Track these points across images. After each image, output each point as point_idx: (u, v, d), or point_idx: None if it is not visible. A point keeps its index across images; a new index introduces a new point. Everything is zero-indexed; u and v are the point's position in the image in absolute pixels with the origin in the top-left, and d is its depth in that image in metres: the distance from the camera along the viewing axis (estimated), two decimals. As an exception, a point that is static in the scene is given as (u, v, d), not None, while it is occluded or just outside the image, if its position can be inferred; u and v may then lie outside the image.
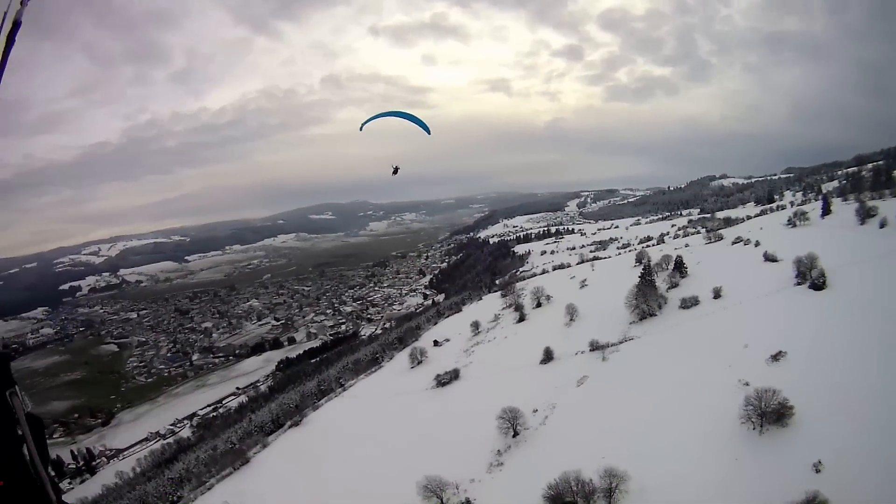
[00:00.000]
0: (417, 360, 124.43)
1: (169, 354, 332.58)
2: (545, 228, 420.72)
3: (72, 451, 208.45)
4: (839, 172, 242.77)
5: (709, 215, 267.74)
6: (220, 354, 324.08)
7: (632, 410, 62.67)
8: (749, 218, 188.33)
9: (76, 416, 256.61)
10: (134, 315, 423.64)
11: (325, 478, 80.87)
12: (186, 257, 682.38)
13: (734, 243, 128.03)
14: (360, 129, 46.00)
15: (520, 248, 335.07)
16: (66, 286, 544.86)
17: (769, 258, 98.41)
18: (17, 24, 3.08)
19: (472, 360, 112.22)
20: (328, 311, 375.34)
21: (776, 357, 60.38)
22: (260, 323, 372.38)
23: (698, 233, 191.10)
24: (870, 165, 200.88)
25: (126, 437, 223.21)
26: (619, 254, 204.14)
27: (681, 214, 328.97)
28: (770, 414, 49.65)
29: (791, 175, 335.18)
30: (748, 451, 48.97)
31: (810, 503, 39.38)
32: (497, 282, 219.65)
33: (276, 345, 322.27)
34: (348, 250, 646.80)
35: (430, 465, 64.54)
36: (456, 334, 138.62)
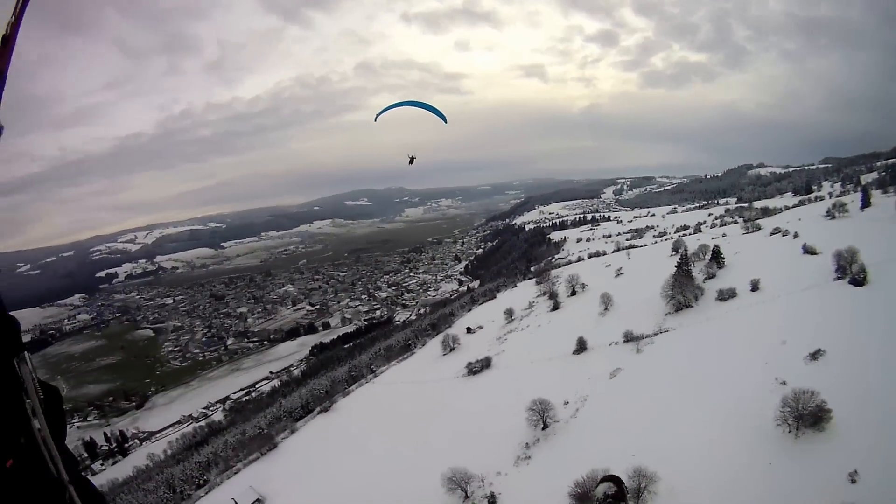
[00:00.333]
0: (450, 347, 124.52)
1: (204, 339, 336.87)
2: (581, 215, 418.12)
3: (105, 434, 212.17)
4: (878, 164, 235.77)
5: (746, 205, 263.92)
6: (255, 339, 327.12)
7: (665, 406, 61.63)
8: (787, 208, 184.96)
9: (111, 399, 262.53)
10: (170, 301, 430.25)
11: (350, 466, 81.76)
12: (222, 243, 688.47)
13: (772, 234, 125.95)
14: (375, 119, 46.36)
15: (555, 235, 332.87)
16: (102, 273, 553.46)
17: (808, 251, 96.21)
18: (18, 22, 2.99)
19: (505, 348, 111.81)
20: (363, 297, 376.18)
21: (815, 356, 58.47)
22: (295, 308, 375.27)
23: (735, 222, 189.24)
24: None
25: (159, 420, 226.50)
26: (656, 242, 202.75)
27: (717, 203, 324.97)
28: (807, 417, 47.81)
29: (829, 165, 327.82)
30: (783, 456, 47.36)
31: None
32: (532, 269, 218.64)
33: (310, 329, 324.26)
34: (384, 236, 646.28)
35: (457, 457, 64.36)
36: (489, 321, 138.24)
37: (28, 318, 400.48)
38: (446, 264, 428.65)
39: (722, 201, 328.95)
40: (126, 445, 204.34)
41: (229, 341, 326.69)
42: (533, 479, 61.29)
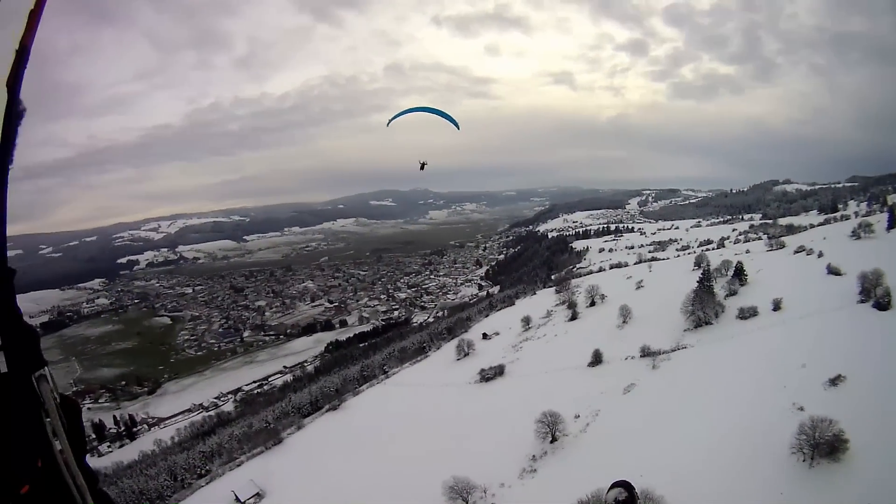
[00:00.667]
0: (464, 352, 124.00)
1: (221, 330, 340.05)
2: (605, 225, 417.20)
3: (114, 416, 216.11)
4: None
5: (771, 221, 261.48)
6: (272, 333, 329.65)
7: (678, 426, 60.03)
8: (812, 226, 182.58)
9: (123, 383, 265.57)
10: (189, 290, 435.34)
11: (353, 466, 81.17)
12: (245, 237, 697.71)
13: (796, 252, 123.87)
14: (388, 124, 46.14)
15: (578, 244, 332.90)
16: (124, 260, 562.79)
17: (832, 271, 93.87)
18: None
19: (520, 356, 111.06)
20: (382, 297, 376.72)
21: (834, 381, 56.44)
22: (313, 304, 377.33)
23: (759, 239, 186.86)
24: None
25: (169, 407, 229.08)
26: (678, 256, 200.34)
27: (742, 219, 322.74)
28: (823, 446, 45.98)
29: (856, 184, 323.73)
30: (796, 486, 45.64)
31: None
32: (553, 277, 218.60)
33: (327, 326, 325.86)
34: (406, 237, 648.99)
35: (461, 464, 63.46)
36: (506, 328, 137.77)
37: (47, 298, 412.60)
38: (467, 268, 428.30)
39: (747, 217, 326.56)
40: (135, 430, 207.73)
41: (246, 333, 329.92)
42: (537, 494, 60.12)
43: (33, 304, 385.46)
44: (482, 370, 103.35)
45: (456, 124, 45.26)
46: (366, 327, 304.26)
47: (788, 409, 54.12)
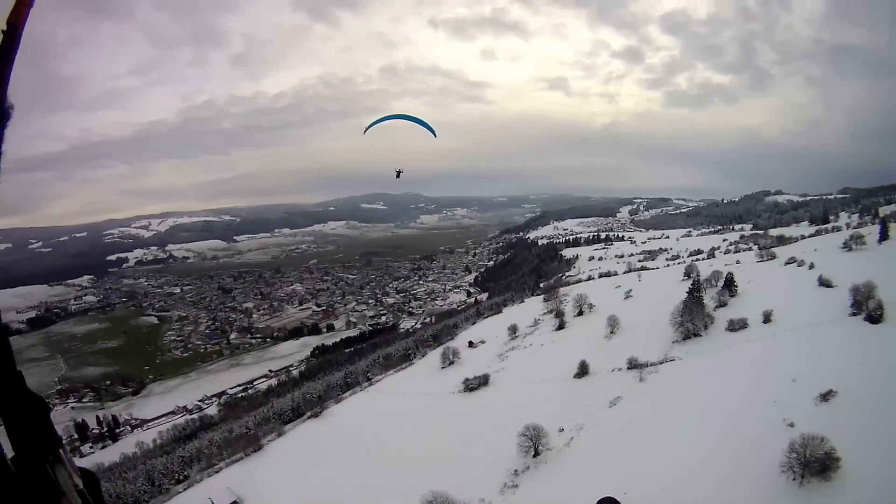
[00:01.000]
0: (449, 360, 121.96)
1: (207, 331, 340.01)
2: (595, 233, 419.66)
3: (97, 417, 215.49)
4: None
5: (761, 232, 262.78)
6: (258, 335, 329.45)
7: (664, 441, 58.05)
8: (803, 237, 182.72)
9: (108, 382, 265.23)
10: (177, 290, 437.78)
11: (332, 476, 79.38)
12: (235, 237, 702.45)
13: (787, 263, 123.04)
14: (364, 132, 46.21)
15: (568, 252, 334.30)
16: (113, 257, 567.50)
17: (824, 283, 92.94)
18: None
19: (505, 365, 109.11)
20: (370, 301, 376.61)
21: (826, 396, 54.86)
22: (301, 307, 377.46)
23: (750, 249, 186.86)
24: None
25: (153, 409, 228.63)
26: (668, 265, 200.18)
27: (733, 229, 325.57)
28: (814, 464, 44.28)
29: (847, 196, 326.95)
30: (785, 506, 44.24)
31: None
32: (541, 285, 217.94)
33: (314, 330, 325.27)
34: (397, 241, 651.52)
35: (441, 477, 61.46)
36: (493, 336, 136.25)
37: (35, 294, 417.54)
38: (456, 274, 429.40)
39: (737, 227, 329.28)
40: (117, 431, 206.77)
41: (232, 335, 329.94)
42: (518, 511, 58.11)
43: (20, 300, 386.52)
44: (466, 379, 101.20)
45: (433, 132, 45.18)
46: (353, 332, 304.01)
47: (779, 425, 52.64)
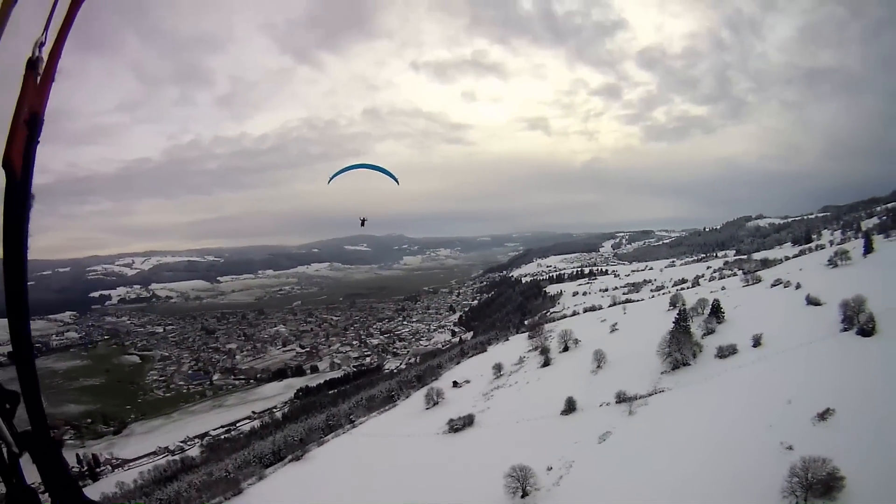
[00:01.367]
0: (433, 401, 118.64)
1: (190, 371, 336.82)
2: (579, 269, 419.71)
3: (77, 455, 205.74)
4: (878, 208, 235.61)
5: (745, 257, 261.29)
6: (242, 377, 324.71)
7: (658, 475, 55.23)
8: (787, 259, 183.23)
9: (89, 421, 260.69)
10: (160, 329, 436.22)
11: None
12: (219, 278, 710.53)
13: (773, 286, 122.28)
14: (329, 182, 47.17)
15: (552, 289, 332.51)
16: (96, 294, 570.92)
17: (812, 301, 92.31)
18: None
19: (490, 405, 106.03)
20: (354, 343, 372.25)
21: (823, 416, 52.80)
22: (285, 349, 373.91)
23: (735, 275, 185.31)
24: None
25: (135, 449, 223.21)
26: (653, 296, 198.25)
27: (716, 256, 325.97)
28: (817, 486, 42.07)
29: (828, 214, 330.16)
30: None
31: None
32: (526, 322, 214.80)
33: (298, 372, 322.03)
34: (380, 283, 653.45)
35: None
36: (477, 376, 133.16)
37: None
38: (440, 314, 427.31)
39: (721, 254, 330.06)
40: (98, 470, 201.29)
41: (215, 376, 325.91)
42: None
43: (1, 331, 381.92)
44: (451, 420, 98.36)
45: (395, 179, 46.18)
46: (337, 373, 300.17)
47: (777, 450, 50.59)
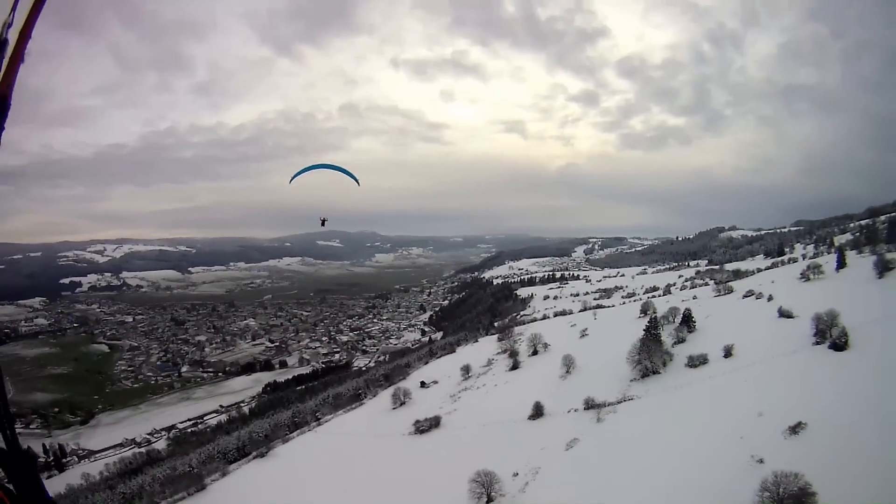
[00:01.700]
0: (400, 401, 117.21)
1: (159, 363, 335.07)
2: (550, 273, 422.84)
3: (44, 445, 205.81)
4: (851, 225, 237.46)
5: (717, 267, 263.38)
6: (210, 369, 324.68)
7: (625, 485, 54.00)
8: (759, 270, 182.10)
9: (56, 410, 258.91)
10: (130, 319, 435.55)
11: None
12: (190, 268, 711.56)
13: (745, 297, 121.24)
14: (290, 182, 48.23)
15: (523, 291, 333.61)
16: (66, 280, 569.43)
17: (784, 314, 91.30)
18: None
19: (457, 406, 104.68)
20: (324, 339, 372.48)
21: (795, 429, 51.92)
22: (254, 343, 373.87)
23: (706, 284, 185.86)
24: (883, 217, 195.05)
25: (101, 440, 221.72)
26: (624, 303, 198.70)
27: (688, 265, 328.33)
28: (788, 501, 40.73)
29: (801, 228, 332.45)
30: (759, 552, 40.54)
31: None
32: (496, 324, 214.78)
33: (266, 366, 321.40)
34: (352, 279, 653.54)
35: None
36: (445, 377, 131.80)
37: None
38: (411, 313, 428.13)
39: (693, 263, 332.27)
40: (64, 461, 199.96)
41: (184, 368, 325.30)
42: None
43: None
44: (417, 421, 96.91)
45: (356, 180, 47.84)
46: (305, 369, 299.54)
47: (747, 462, 49.64)
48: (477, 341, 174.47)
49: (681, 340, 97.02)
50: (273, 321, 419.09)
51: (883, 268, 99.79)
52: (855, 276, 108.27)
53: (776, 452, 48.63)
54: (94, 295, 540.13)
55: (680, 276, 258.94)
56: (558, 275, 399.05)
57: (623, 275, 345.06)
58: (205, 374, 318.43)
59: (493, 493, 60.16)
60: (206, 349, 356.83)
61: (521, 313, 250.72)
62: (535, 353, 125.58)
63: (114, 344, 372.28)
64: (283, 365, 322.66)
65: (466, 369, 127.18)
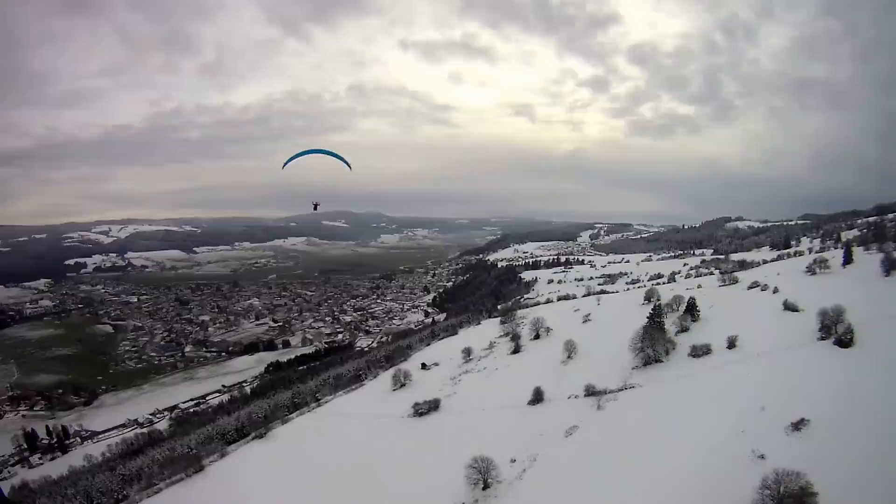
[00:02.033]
0: (401, 382, 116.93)
1: (162, 343, 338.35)
2: (555, 257, 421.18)
3: (47, 427, 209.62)
4: (859, 221, 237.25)
5: (722, 257, 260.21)
6: (214, 349, 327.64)
7: (624, 476, 53.58)
8: (765, 262, 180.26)
9: (60, 391, 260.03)
10: (134, 299, 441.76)
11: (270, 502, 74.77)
12: (195, 248, 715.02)
13: (750, 288, 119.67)
14: (283, 167, 49.62)
15: (527, 275, 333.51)
16: (71, 261, 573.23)
17: (789, 307, 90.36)
18: None
19: (457, 390, 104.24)
20: (327, 319, 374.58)
21: (797, 426, 51.03)
22: (258, 322, 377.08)
23: (711, 274, 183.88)
24: (891, 215, 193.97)
25: (104, 420, 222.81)
26: (628, 289, 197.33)
27: (693, 254, 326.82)
28: (788, 500, 39.92)
29: (808, 221, 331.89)
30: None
31: None
32: (499, 307, 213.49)
33: (270, 346, 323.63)
34: (357, 260, 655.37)
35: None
36: (447, 359, 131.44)
37: None
38: (415, 294, 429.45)
39: (698, 252, 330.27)
40: (67, 442, 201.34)
41: (187, 348, 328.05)
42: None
43: None
44: (416, 404, 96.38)
45: (348, 165, 49.86)
46: (308, 349, 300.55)
47: (748, 458, 48.77)
48: (479, 324, 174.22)
49: (684, 329, 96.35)
50: (277, 301, 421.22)
51: (890, 266, 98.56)
52: (861, 273, 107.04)
53: (778, 448, 47.97)
54: (98, 276, 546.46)
55: (685, 265, 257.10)
56: (563, 259, 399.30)
57: (628, 261, 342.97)
58: (208, 354, 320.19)
59: (489, 480, 59.60)
60: (209, 329, 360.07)
61: (525, 297, 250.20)
62: (537, 337, 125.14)
63: (118, 324, 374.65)
64: (287, 345, 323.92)
65: (468, 352, 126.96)
